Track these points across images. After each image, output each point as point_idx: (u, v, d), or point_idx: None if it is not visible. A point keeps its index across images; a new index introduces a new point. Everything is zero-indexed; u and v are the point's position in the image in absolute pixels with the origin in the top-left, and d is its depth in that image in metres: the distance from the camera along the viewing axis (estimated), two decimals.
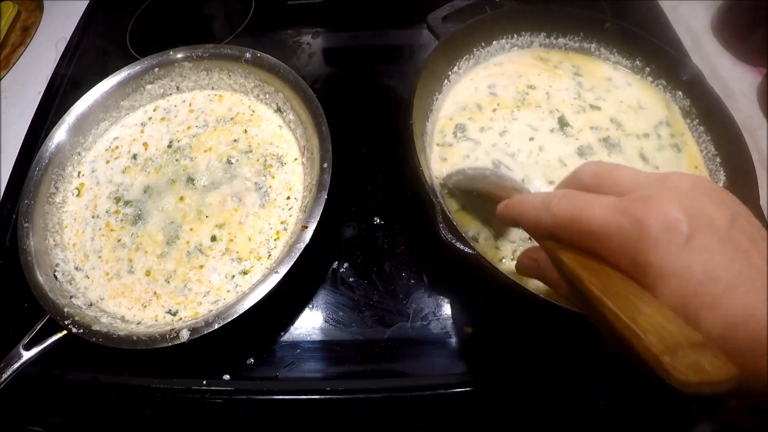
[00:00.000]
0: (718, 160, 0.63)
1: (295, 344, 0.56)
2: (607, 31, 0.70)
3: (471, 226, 0.56)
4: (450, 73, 0.67)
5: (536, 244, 0.37)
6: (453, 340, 0.56)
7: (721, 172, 0.62)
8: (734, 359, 0.25)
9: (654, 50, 0.68)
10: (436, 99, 0.65)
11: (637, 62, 0.69)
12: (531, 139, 0.63)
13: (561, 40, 0.71)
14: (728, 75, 0.78)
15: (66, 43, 0.86)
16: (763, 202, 0.58)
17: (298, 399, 0.53)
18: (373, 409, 0.53)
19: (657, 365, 0.25)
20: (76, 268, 0.59)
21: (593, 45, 0.71)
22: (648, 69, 0.69)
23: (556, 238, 0.33)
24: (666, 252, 0.28)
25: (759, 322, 0.26)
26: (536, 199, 0.34)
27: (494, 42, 0.70)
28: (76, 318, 0.52)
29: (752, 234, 0.29)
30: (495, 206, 0.40)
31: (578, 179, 0.35)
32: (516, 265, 0.39)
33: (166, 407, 0.54)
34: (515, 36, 0.71)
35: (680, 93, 0.67)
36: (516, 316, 0.55)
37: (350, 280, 0.60)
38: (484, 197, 0.51)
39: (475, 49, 0.69)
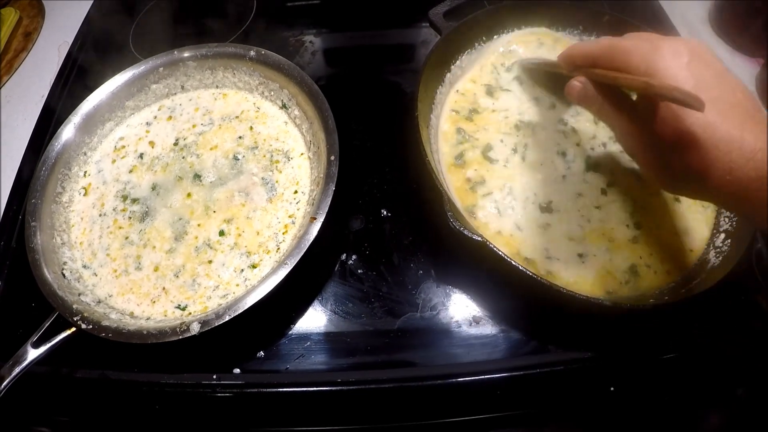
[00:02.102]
0: None
1: (304, 337, 0.56)
2: (606, 24, 0.70)
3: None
4: (452, 66, 0.68)
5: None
6: (462, 330, 0.56)
7: None
8: (707, 151, 0.39)
9: None
10: (439, 92, 0.65)
11: None
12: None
13: (561, 33, 0.72)
14: (726, 66, 0.78)
15: (68, 47, 0.86)
16: None
17: (308, 391, 0.53)
18: (383, 399, 0.53)
19: (646, 86, 0.40)
20: (84, 266, 0.59)
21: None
22: None
23: (598, 63, 0.46)
24: (671, 63, 0.40)
25: (732, 126, 0.38)
26: (585, 41, 0.52)
27: (495, 36, 0.71)
28: (85, 314, 0.52)
29: (738, 83, 0.41)
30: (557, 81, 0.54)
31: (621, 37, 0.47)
32: (566, 89, 0.50)
33: (177, 402, 0.54)
34: (515, 30, 0.71)
35: None
36: (525, 304, 0.56)
37: (359, 271, 0.60)
38: (550, 70, 0.61)
39: (476, 44, 0.69)
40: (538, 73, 0.66)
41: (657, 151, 0.43)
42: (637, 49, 0.42)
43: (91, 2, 0.94)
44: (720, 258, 0.54)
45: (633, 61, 0.42)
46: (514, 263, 0.48)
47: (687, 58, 0.40)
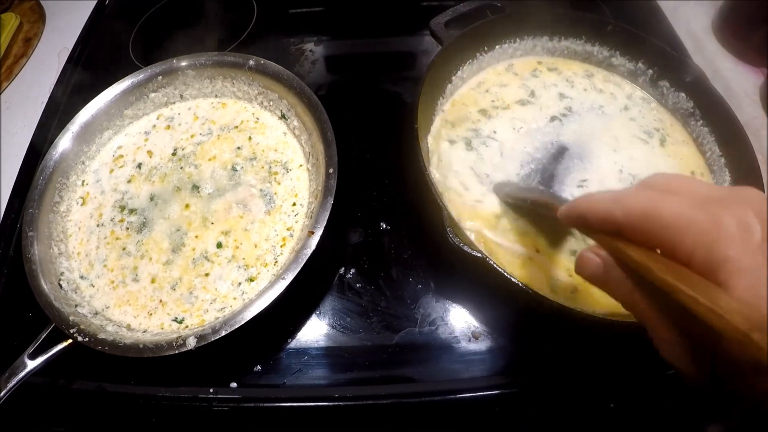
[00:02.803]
0: (722, 161, 0.63)
1: (302, 351, 0.56)
2: (609, 34, 0.70)
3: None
4: (453, 77, 0.67)
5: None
6: (461, 345, 0.55)
7: (726, 172, 0.62)
8: None
9: (657, 52, 0.68)
10: (440, 103, 0.65)
11: (640, 64, 0.69)
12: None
13: (563, 43, 0.71)
14: (730, 76, 0.78)
15: (68, 54, 0.86)
16: None
17: (305, 406, 0.53)
18: (381, 415, 0.53)
19: (746, 342, 0.24)
20: (81, 277, 0.59)
21: (596, 48, 0.71)
22: (650, 71, 0.69)
23: (625, 234, 0.32)
24: (743, 250, 0.27)
25: None
26: (606, 195, 0.33)
27: (497, 46, 0.70)
28: (82, 326, 0.51)
29: None
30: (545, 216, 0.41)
31: (649, 186, 0.33)
32: (576, 264, 0.36)
33: (173, 416, 0.53)
34: (517, 40, 0.71)
35: (683, 95, 0.67)
36: (525, 320, 0.55)
37: (357, 285, 0.59)
38: (535, 207, 0.51)
39: (478, 54, 0.69)
40: (519, 208, 0.56)
41: (740, 373, 0.28)
42: (691, 225, 0.28)
43: (92, 8, 0.93)
44: None
45: (685, 244, 0.28)
46: (513, 279, 0.48)
47: (760, 233, 0.27)
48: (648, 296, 0.31)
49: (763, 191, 0.58)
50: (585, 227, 0.36)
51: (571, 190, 0.60)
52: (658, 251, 0.30)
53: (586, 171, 0.61)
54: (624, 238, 0.32)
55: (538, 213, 0.50)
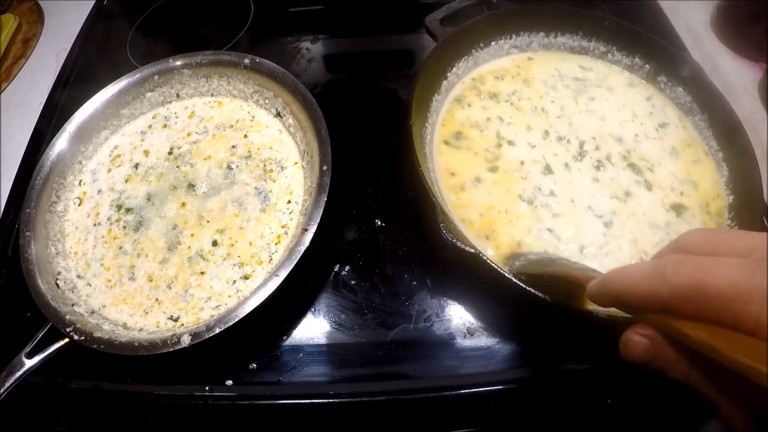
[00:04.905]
0: (720, 155, 0.62)
1: (297, 348, 0.56)
2: (606, 29, 0.70)
3: None
4: (449, 74, 0.67)
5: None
6: (456, 341, 0.55)
7: (724, 167, 0.62)
8: None
9: (653, 47, 0.68)
10: (435, 100, 0.65)
11: (637, 60, 0.69)
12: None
13: (560, 39, 0.71)
14: (729, 71, 0.78)
15: (67, 54, 0.87)
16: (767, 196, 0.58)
17: (301, 403, 0.53)
18: (377, 412, 0.53)
19: None
20: (78, 276, 0.59)
21: (592, 43, 0.71)
22: (648, 66, 0.68)
23: (674, 310, 0.28)
24: None
25: None
26: (643, 270, 0.29)
27: (493, 43, 0.70)
28: (78, 325, 0.51)
29: None
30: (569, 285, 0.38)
31: (686, 246, 0.31)
32: (621, 349, 0.32)
33: (169, 414, 0.54)
34: (513, 36, 0.71)
35: (681, 89, 0.66)
36: (520, 315, 0.55)
37: (352, 282, 0.59)
38: (555, 278, 0.46)
39: (473, 50, 0.69)
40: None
41: None
42: (751, 291, 0.25)
43: (90, 9, 0.94)
44: None
45: (749, 313, 0.25)
46: (507, 275, 0.48)
47: None
48: (710, 372, 0.29)
49: (761, 186, 0.57)
50: (624, 307, 0.32)
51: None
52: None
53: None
54: (672, 313, 0.28)
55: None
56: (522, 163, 0.61)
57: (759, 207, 0.56)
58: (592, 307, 0.51)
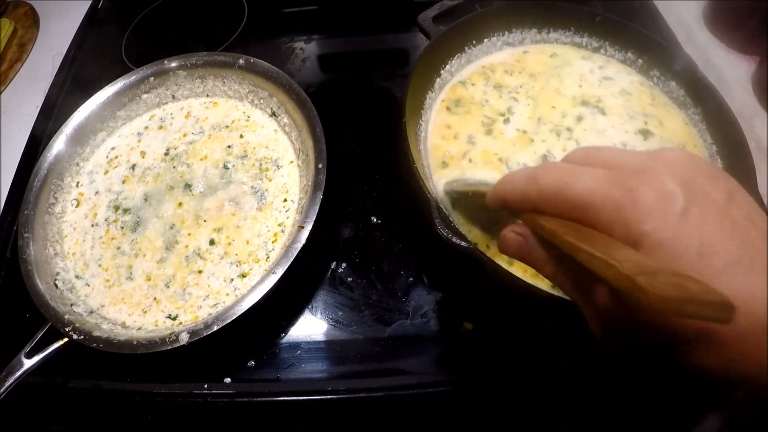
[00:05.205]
0: (714, 148, 0.62)
1: (295, 345, 0.56)
2: (598, 25, 0.70)
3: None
4: (442, 71, 0.67)
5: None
6: (454, 336, 0.55)
7: (718, 160, 0.62)
8: (731, 343, 0.25)
9: (646, 41, 0.68)
10: (429, 97, 0.65)
11: (630, 54, 0.69)
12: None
13: (552, 35, 0.71)
14: (722, 64, 0.78)
15: (62, 58, 0.87)
16: (761, 188, 0.58)
17: (299, 400, 0.53)
18: (375, 408, 0.53)
19: (632, 288, 0.22)
20: (77, 277, 0.60)
21: (585, 39, 0.71)
22: (640, 61, 0.69)
23: (541, 210, 0.30)
24: (662, 222, 0.26)
25: (758, 305, 0.24)
26: (522, 173, 0.32)
27: (485, 39, 0.70)
28: (77, 325, 0.52)
29: (749, 212, 0.27)
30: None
31: (570, 158, 0.32)
32: (498, 243, 0.34)
33: (168, 412, 0.54)
34: (506, 33, 0.71)
35: (674, 83, 0.67)
36: (515, 310, 0.55)
37: (349, 279, 0.59)
38: (478, 195, 0.47)
39: (466, 47, 0.69)
40: (467, 202, 0.53)
41: (658, 346, 0.28)
42: (604, 201, 0.27)
43: (85, 13, 0.94)
44: None
45: (602, 221, 0.27)
46: (503, 268, 0.48)
47: (682, 202, 0.26)
48: (571, 272, 0.30)
49: (755, 178, 0.57)
50: (508, 210, 0.34)
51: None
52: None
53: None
54: (540, 213, 0.30)
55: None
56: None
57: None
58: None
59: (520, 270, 0.53)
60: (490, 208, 0.37)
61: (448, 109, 0.65)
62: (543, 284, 0.52)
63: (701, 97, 0.64)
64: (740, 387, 0.27)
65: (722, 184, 0.28)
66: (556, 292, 0.49)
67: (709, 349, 0.25)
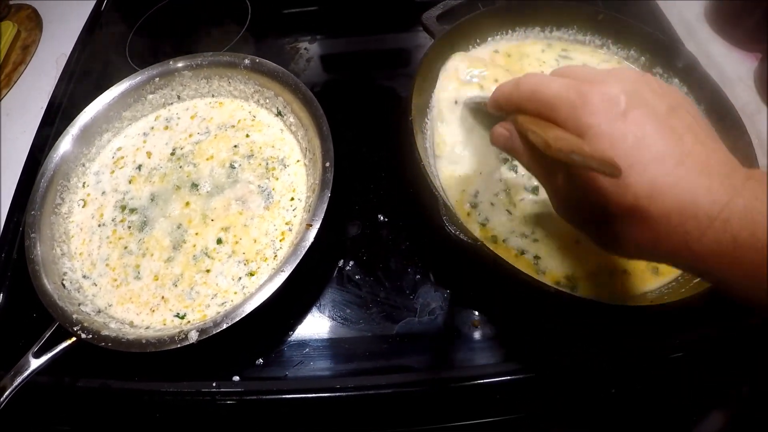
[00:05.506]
0: None
1: (303, 343, 0.56)
2: (601, 23, 0.70)
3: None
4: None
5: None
6: (461, 333, 0.56)
7: None
8: (659, 221, 0.31)
9: (648, 39, 0.68)
10: (434, 96, 0.65)
11: (632, 52, 0.70)
12: None
13: (555, 34, 0.72)
14: (724, 61, 0.78)
15: (66, 59, 0.87)
16: None
17: (308, 398, 0.53)
18: (383, 405, 0.53)
19: (545, 146, 0.33)
20: (84, 276, 0.60)
21: (587, 37, 0.72)
22: (643, 58, 0.69)
23: (522, 109, 0.39)
24: (603, 119, 0.33)
25: (682, 190, 0.30)
26: (510, 82, 0.41)
27: (489, 38, 0.71)
28: (85, 324, 0.52)
29: (691, 124, 0.33)
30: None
31: (553, 73, 0.40)
32: (490, 138, 0.44)
33: (177, 410, 0.54)
34: (509, 32, 0.71)
35: (677, 80, 0.67)
36: (524, 306, 0.55)
37: (356, 277, 0.60)
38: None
39: (470, 46, 0.69)
40: (482, 113, 0.58)
41: (598, 221, 0.35)
42: (563, 101, 0.35)
43: (88, 14, 0.94)
44: None
45: (560, 117, 0.35)
46: (510, 265, 0.48)
47: (624, 105, 0.33)
48: (540, 161, 0.39)
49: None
50: (499, 110, 0.43)
51: None
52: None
53: None
54: (522, 112, 0.39)
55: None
56: None
57: None
58: (596, 295, 0.52)
59: (524, 265, 0.54)
60: (489, 112, 0.45)
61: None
62: (550, 281, 0.52)
63: (703, 94, 0.64)
64: (668, 263, 0.35)
65: (667, 99, 0.34)
66: (564, 289, 0.49)
67: (641, 224, 0.32)
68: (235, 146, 0.67)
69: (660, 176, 0.31)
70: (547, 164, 0.38)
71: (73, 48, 0.89)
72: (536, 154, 0.38)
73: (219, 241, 0.60)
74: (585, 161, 0.31)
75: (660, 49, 0.68)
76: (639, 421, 0.55)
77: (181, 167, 0.67)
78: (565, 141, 0.32)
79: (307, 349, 0.56)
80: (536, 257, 0.55)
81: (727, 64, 0.78)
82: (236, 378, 0.54)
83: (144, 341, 0.50)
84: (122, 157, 0.69)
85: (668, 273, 0.54)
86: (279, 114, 0.68)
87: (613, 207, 0.33)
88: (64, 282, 0.58)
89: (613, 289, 0.54)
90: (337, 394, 0.53)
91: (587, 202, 0.35)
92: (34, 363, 0.50)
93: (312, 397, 0.53)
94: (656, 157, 0.31)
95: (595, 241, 0.38)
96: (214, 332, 0.49)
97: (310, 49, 0.84)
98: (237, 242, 0.59)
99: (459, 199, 0.58)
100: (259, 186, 0.63)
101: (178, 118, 0.72)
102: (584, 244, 0.55)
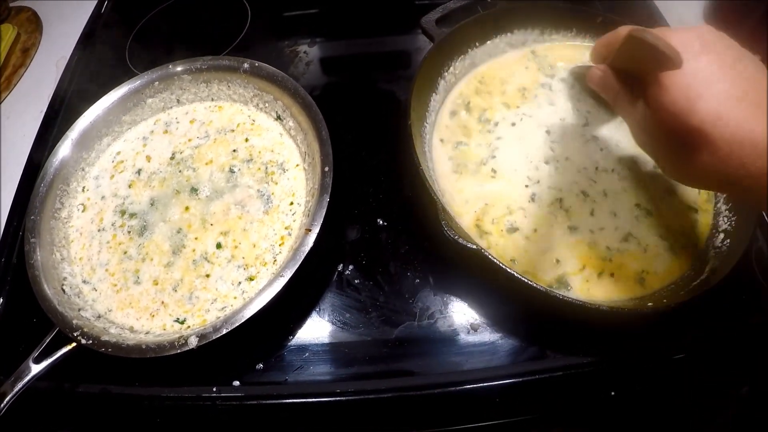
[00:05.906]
0: None
1: (303, 348, 0.56)
2: (599, 26, 0.70)
3: None
4: (446, 73, 0.68)
5: None
6: (460, 337, 0.56)
7: None
8: (727, 147, 0.38)
9: None
10: (433, 99, 0.65)
11: None
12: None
13: (554, 37, 0.72)
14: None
15: (66, 62, 0.87)
16: None
17: (308, 402, 0.53)
18: (383, 409, 0.53)
19: (625, 32, 0.43)
20: (84, 281, 0.60)
21: (587, 40, 0.71)
22: None
23: (619, 53, 0.47)
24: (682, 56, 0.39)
25: (744, 120, 0.37)
26: (609, 33, 0.50)
27: (488, 41, 0.71)
28: (85, 330, 0.52)
29: (754, 74, 0.39)
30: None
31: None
32: (587, 76, 0.56)
33: (177, 416, 0.54)
34: (508, 34, 0.71)
35: None
36: (523, 310, 0.55)
37: (356, 282, 0.60)
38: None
39: (469, 49, 0.69)
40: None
41: (670, 147, 0.43)
42: (652, 41, 0.41)
43: (89, 17, 0.94)
44: (719, 258, 0.54)
45: (649, 53, 0.41)
46: (509, 270, 0.48)
47: (698, 47, 0.40)
48: (627, 94, 0.48)
49: None
50: (600, 57, 0.52)
51: None
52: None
53: None
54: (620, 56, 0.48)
55: None
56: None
57: None
58: (593, 300, 0.52)
59: (522, 270, 0.54)
60: (592, 61, 0.54)
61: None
62: (543, 284, 0.52)
63: None
64: (734, 190, 0.43)
65: (734, 52, 0.41)
66: (561, 294, 0.49)
67: (706, 147, 0.39)
68: (235, 150, 0.67)
69: (724, 108, 0.38)
70: (630, 98, 0.47)
71: (73, 51, 0.89)
72: (624, 89, 0.48)
73: (218, 246, 0.60)
74: (655, 41, 0.38)
75: None
76: (639, 424, 0.55)
77: (180, 171, 0.67)
78: (642, 30, 0.41)
79: (307, 354, 0.56)
80: None
81: None
82: (236, 383, 0.54)
83: (144, 346, 0.50)
84: (122, 162, 0.69)
85: (653, 285, 0.55)
86: (278, 118, 0.68)
87: (683, 129, 0.40)
88: (64, 287, 0.58)
89: (603, 293, 0.54)
90: (338, 398, 0.53)
91: (663, 128, 0.42)
92: (35, 368, 0.50)
93: (312, 402, 0.53)
94: (721, 92, 0.38)
95: (666, 167, 0.46)
96: (214, 337, 0.49)
97: (309, 52, 0.84)
98: (236, 247, 0.59)
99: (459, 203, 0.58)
100: (258, 190, 0.63)
101: (178, 122, 0.72)
102: (578, 246, 0.56)
